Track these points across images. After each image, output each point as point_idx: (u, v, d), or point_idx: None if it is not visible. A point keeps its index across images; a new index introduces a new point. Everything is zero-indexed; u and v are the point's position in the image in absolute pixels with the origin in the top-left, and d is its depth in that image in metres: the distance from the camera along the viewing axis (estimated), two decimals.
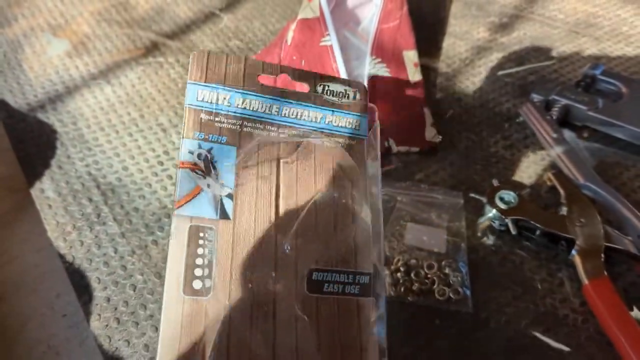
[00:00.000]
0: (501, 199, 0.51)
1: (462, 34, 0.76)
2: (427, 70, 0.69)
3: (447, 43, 0.74)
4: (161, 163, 0.57)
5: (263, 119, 0.36)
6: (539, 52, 0.73)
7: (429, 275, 0.48)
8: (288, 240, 0.33)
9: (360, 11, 0.65)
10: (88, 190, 0.54)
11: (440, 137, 0.61)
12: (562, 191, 0.53)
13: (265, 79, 0.37)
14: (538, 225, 0.50)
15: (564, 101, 0.62)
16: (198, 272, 0.31)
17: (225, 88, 0.35)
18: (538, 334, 0.45)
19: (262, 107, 0.36)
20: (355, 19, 0.65)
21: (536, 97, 0.64)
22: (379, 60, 0.61)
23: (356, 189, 0.36)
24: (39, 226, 0.52)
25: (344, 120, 0.38)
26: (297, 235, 0.34)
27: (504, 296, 0.47)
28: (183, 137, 0.34)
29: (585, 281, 0.46)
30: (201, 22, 0.77)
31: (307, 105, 0.37)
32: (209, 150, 0.34)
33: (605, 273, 0.46)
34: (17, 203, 0.55)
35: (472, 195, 0.54)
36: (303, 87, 0.38)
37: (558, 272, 0.49)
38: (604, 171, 0.58)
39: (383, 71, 0.61)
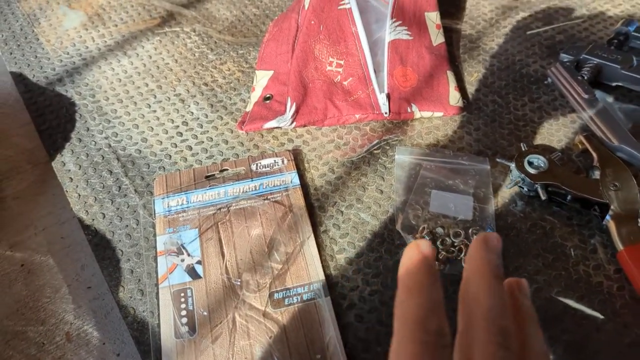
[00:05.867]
0: (530, 164, 0.50)
1: None
2: (450, 32, 0.67)
3: (471, 3, 0.71)
4: (180, 134, 0.57)
5: (214, 203, 0.49)
6: (568, 10, 0.70)
7: (455, 243, 0.46)
8: (235, 277, 0.45)
9: None
10: (108, 162, 0.54)
11: (465, 101, 0.59)
12: (594, 154, 0.51)
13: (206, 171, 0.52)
14: (569, 190, 0.48)
15: (596, 60, 0.60)
16: (184, 320, 0.42)
17: (182, 193, 0.50)
18: (571, 302, 0.44)
19: (211, 196, 0.50)
20: None
21: (565, 57, 0.61)
22: (400, 22, 0.59)
23: (297, 224, 0.48)
24: (62, 199, 0.52)
25: (278, 180, 0.51)
26: (240, 271, 0.45)
27: (535, 264, 0.46)
28: (156, 235, 0.47)
29: (620, 247, 0.45)
30: None
31: (247, 181, 0.51)
32: (179, 237, 0.47)
33: None
34: (40, 176, 0.55)
35: (499, 160, 0.52)
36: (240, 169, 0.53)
37: (591, 239, 0.47)
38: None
39: (404, 34, 0.59)
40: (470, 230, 0.47)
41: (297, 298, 0.43)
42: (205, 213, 0.49)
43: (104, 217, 0.50)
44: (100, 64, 0.64)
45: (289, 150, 0.54)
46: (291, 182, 0.51)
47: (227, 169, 0.52)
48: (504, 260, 0.46)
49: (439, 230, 0.47)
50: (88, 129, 0.57)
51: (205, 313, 0.42)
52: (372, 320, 0.43)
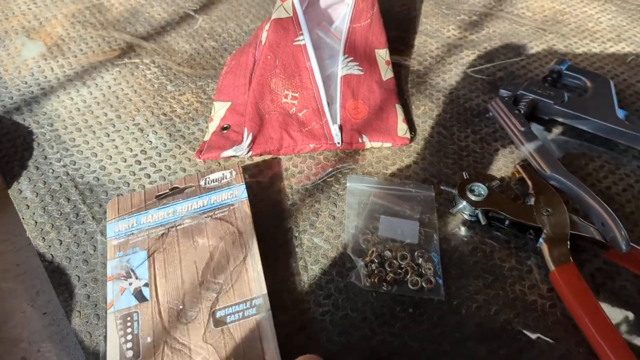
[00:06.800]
0: (471, 191, 0.53)
1: (433, 32, 0.78)
2: (399, 67, 0.71)
3: (419, 41, 0.76)
4: (139, 162, 0.58)
5: (163, 223, 0.50)
6: (508, 49, 0.75)
7: (402, 266, 0.49)
8: (180, 297, 0.46)
9: (332, 11, 0.66)
10: (66, 190, 0.55)
11: (412, 132, 0.62)
12: (529, 182, 0.55)
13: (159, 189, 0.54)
14: (507, 215, 0.52)
15: (531, 96, 0.65)
16: (129, 345, 0.43)
17: (132, 215, 0.51)
18: (508, 319, 0.47)
19: (161, 215, 0.51)
20: (328, 19, 0.66)
21: (504, 93, 0.66)
22: (352, 58, 0.63)
23: (241, 238, 0.49)
24: (18, 226, 0.52)
25: (226, 194, 0.52)
26: (185, 290, 0.46)
27: (475, 284, 0.49)
28: (108, 260, 0.48)
29: (552, 267, 0.48)
30: (176, 23, 0.78)
31: (195, 198, 0.52)
32: (128, 260, 0.48)
33: (571, 259, 0.48)
34: None
35: (444, 187, 0.55)
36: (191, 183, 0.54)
37: (527, 260, 0.51)
38: (571, 162, 0.60)
39: (356, 69, 0.63)
40: (416, 253, 0.50)
41: (238, 315, 0.44)
42: (154, 234, 0.50)
43: (61, 243, 0.50)
44: (59, 94, 0.65)
45: (237, 164, 0.55)
46: (239, 195, 0.52)
47: (177, 187, 0.53)
48: (448, 282, 0.49)
49: (387, 253, 0.50)
50: (46, 157, 0.58)
51: (149, 337, 0.43)
52: (322, 340, 0.45)
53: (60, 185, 0.55)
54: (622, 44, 0.77)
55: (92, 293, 0.47)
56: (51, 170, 0.57)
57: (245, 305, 0.45)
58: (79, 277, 0.48)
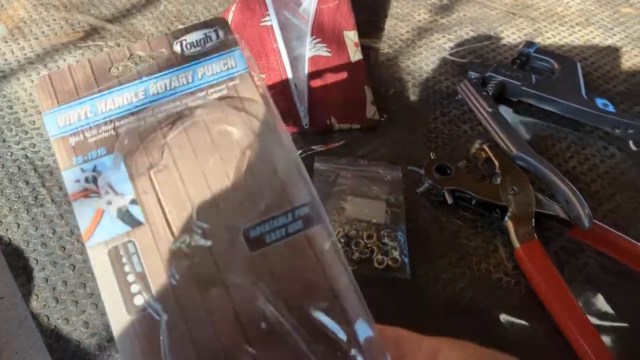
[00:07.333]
0: (438, 171, 0.53)
1: (404, 16, 0.77)
2: (369, 50, 0.71)
3: (389, 24, 0.76)
4: None
5: (134, 109, 0.33)
6: (478, 33, 0.75)
7: (368, 245, 0.49)
8: (193, 213, 0.31)
9: None
10: (25, 173, 0.53)
11: (382, 115, 0.62)
12: (496, 162, 0.55)
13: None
14: (473, 194, 0.52)
15: (500, 78, 0.65)
16: (134, 288, 0.30)
17: (82, 100, 0.33)
18: (473, 297, 0.47)
19: (127, 98, 0.33)
20: (295, 0, 0.65)
21: (473, 75, 0.66)
22: (320, 40, 0.62)
23: (262, 124, 0.32)
24: None
25: (218, 65, 0.34)
26: (195, 204, 0.31)
27: (441, 263, 0.49)
28: (62, 170, 0.32)
29: (517, 245, 0.48)
30: (142, 6, 0.76)
31: (173, 71, 0.34)
32: (94, 169, 0.32)
33: (536, 237, 0.48)
34: None
35: (411, 168, 0.55)
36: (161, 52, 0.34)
37: (493, 239, 0.51)
38: (538, 143, 0.60)
39: (324, 51, 0.62)
40: (382, 233, 0.50)
41: (280, 232, 0.31)
42: (124, 125, 0.33)
43: (19, 227, 0.49)
44: (19, 76, 0.63)
45: (222, 17, 0.39)
46: (237, 65, 0.34)
47: (139, 55, 0.35)
48: (414, 261, 0.49)
49: (353, 233, 0.50)
50: (4, 140, 0.56)
51: (163, 272, 0.30)
52: None
53: (19, 169, 0.54)
54: (590, 28, 0.77)
55: (50, 276, 0.46)
56: (9, 153, 0.55)
57: (287, 218, 0.31)
58: (37, 260, 0.47)
